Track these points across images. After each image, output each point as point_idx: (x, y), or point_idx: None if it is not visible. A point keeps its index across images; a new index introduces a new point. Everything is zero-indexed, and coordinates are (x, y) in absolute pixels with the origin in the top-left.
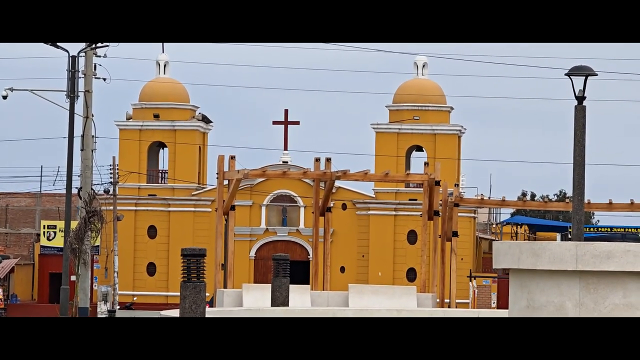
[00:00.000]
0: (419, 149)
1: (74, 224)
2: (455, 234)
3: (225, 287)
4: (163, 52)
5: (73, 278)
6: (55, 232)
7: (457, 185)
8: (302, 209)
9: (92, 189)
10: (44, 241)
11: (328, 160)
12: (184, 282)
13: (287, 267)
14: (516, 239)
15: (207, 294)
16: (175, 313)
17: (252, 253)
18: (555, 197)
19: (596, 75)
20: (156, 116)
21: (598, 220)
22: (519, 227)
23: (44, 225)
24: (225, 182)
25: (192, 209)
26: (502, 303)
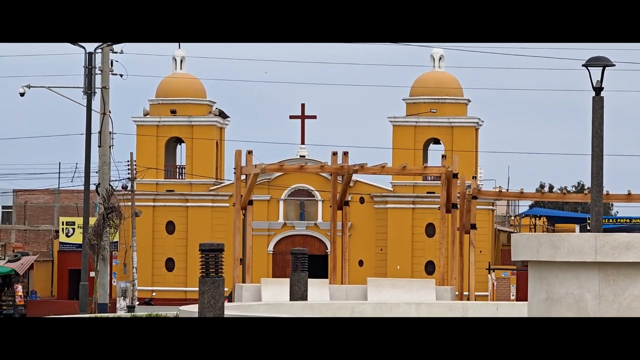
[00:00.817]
0: (437, 141)
1: (92, 221)
2: (473, 226)
3: (243, 281)
4: (179, 47)
5: (92, 274)
6: (73, 229)
7: (474, 177)
8: (319, 203)
9: (110, 185)
10: (62, 238)
11: (345, 154)
12: (203, 277)
13: (306, 261)
14: (535, 231)
15: (226, 289)
16: (194, 308)
17: (271, 247)
18: (574, 189)
19: (614, 65)
20: (173, 112)
21: (617, 212)
22: (537, 219)
23: (63, 222)
24: (243, 177)
25: (210, 204)
26: (521, 295)
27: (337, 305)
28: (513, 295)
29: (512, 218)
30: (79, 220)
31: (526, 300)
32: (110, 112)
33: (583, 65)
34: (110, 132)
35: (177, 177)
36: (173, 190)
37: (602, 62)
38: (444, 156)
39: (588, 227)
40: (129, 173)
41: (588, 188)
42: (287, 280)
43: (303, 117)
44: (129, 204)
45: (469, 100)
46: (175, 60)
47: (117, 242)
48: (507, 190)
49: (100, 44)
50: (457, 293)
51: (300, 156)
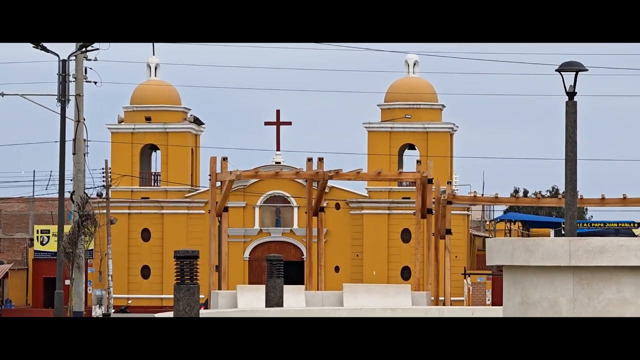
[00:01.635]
0: (412, 147)
1: (67, 228)
2: (448, 231)
3: (219, 288)
4: (154, 54)
5: (67, 282)
6: (48, 237)
7: (449, 183)
8: (295, 210)
9: (84, 192)
10: (37, 246)
11: (320, 160)
12: (178, 285)
13: (281, 268)
14: (510, 236)
15: (202, 296)
16: (169, 315)
17: (247, 254)
18: (548, 194)
19: (586, 70)
20: (148, 119)
21: (591, 216)
22: (512, 223)
23: (37, 230)
24: (218, 183)
25: (186, 211)
26: (497, 300)
27: (313, 312)
28: (489, 300)
29: (487, 223)
30: (54, 228)
31: (502, 304)
32: (84, 120)
33: (556, 70)
34: (84, 140)
35: (153, 184)
36: (148, 198)
37: (575, 67)
38: (419, 162)
39: (562, 232)
40: (103, 180)
41: (562, 192)
42: (263, 286)
43: (278, 123)
44: (104, 211)
45: (443, 106)
46: (150, 67)
47: (92, 250)
48: (482, 195)
49: (74, 50)
50: (432, 298)
51: (276, 162)
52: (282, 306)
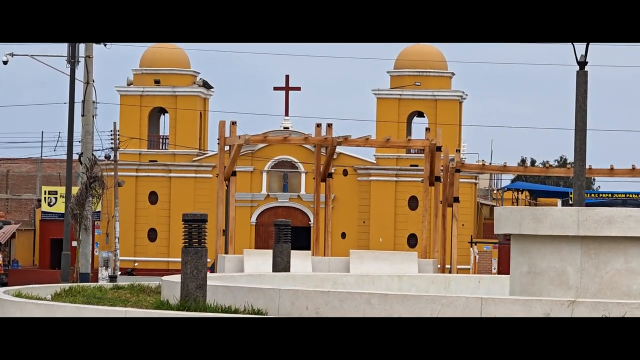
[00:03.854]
0: (420, 114)
1: (74, 190)
2: (456, 199)
3: (226, 252)
4: None
5: (74, 244)
6: (56, 198)
7: (458, 151)
8: (303, 175)
9: (92, 154)
10: (45, 207)
11: (329, 126)
12: (185, 248)
13: (289, 233)
14: (517, 205)
15: (209, 260)
16: (176, 278)
17: (254, 219)
18: (556, 163)
19: (598, 41)
20: (157, 82)
21: (599, 186)
22: (520, 193)
23: (45, 191)
24: (227, 147)
25: (193, 174)
26: (503, 269)
27: (319, 277)
28: (495, 268)
29: (495, 192)
30: (62, 190)
31: (508, 273)
32: (93, 82)
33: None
34: (93, 102)
35: (161, 147)
36: (156, 161)
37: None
38: (427, 129)
39: (570, 202)
40: (112, 143)
41: (571, 162)
42: (270, 251)
43: (287, 88)
44: (112, 173)
45: (453, 74)
46: None
47: (99, 212)
48: (490, 164)
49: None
50: (439, 266)
51: (284, 128)
52: (289, 271)
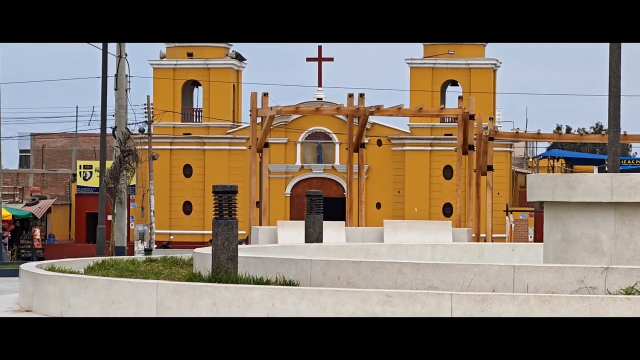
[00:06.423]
0: (454, 83)
1: (109, 164)
2: (490, 168)
3: (260, 224)
4: None
5: (109, 217)
6: (91, 172)
7: (491, 119)
8: (337, 146)
9: (126, 128)
10: (80, 181)
11: (361, 95)
12: (216, 220)
13: (321, 204)
14: (553, 173)
15: (243, 232)
16: (208, 250)
17: (288, 190)
18: (592, 130)
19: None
20: (190, 55)
21: (635, 153)
22: (555, 160)
23: (80, 165)
24: (259, 119)
25: (227, 147)
26: (539, 237)
27: (352, 248)
28: (531, 237)
29: (530, 160)
30: (97, 164)
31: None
32: (126, 55)
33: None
34: (126, 76)
35: (194, 120)
36: (190, 134)
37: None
38: (460, 98)
39: (606, 169)
40: (145, 116)
41: (606, 129)
42: (303, 222)
43: (320, 59)
44: (146, 147)
45: (486, 42)
46: None
47: (134, 185)
48: (525, 131)
49: None
50: (474, 235)
51: (317, 99)
52: (321, 242)
